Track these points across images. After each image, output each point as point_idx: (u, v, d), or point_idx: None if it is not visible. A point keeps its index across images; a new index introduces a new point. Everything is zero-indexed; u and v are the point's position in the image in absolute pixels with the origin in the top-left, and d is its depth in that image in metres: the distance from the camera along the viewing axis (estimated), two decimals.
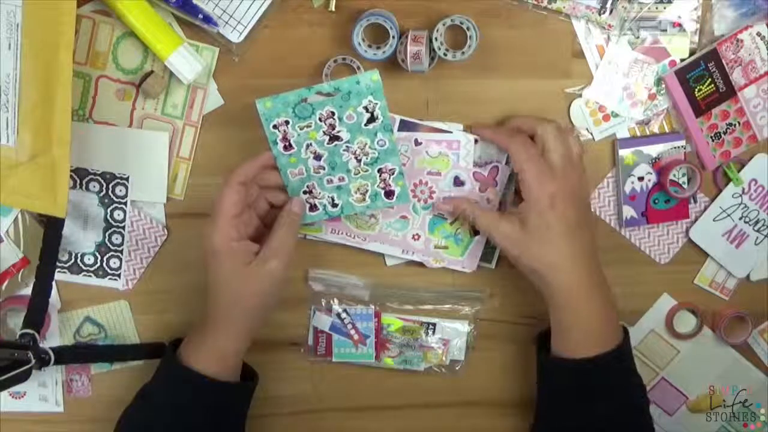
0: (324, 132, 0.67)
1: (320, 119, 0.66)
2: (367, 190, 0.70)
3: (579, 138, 0.68)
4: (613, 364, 0.65)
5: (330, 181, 0.69)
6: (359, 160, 0.68)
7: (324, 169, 0.69)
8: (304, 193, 0.69)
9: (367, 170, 0.69)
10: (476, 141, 0.72)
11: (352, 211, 0.71)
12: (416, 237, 0.74)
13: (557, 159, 0.65)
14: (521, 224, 0.66)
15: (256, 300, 0.65)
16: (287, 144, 0.67)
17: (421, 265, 0.75)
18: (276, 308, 0.69)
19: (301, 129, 0.67)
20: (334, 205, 0.70)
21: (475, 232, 0.74)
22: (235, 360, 0.67)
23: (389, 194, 0.70)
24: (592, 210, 0.76)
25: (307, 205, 0.70)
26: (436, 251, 0.74)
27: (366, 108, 0.66)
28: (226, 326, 0.65)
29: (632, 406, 0.67)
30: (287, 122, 0.67)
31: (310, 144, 0.67)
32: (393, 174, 0.69)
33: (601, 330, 0.66)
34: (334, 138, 0.67)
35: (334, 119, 0.66)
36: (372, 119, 0.67)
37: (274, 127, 0.67)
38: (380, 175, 0.69)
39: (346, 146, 0.68)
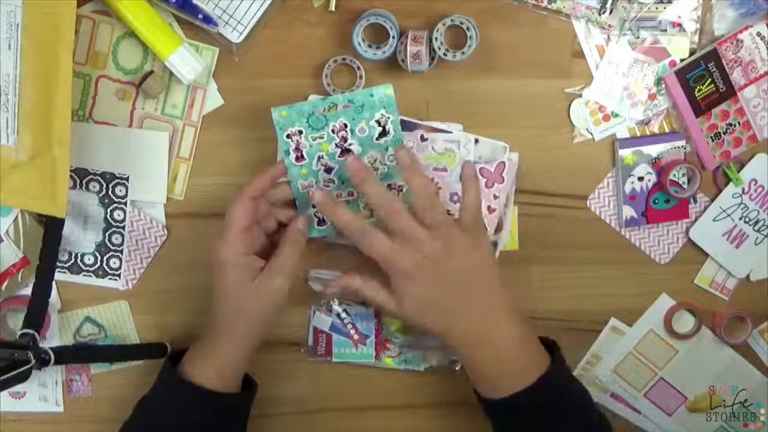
0: (336, 144, 0.67)
1: (333, 131, 0.67)
2: None
3: (426, 192, 0.64)
4: (526, 401, 0.64)
5: (339, 196, 0.69)
6: None
7: (334, 182, 0.69)
8: (313, 206, 0.69)
9: None
10: (476, 141, 0.72)
11: None
12: None
13: (399, 231, 0.62)
14: (396, 299, 0.65)
15: (259, 315, 0.65)
16: (299, 155, 0.68)
17: None
18: (277, 323, 0.69)
19: (313, 140, 0.67)
20: None
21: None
22: (237, 373, 0.67)
23: None
24: (594, 211, 0.76)
25: (315, 219, 0.70)
26: None
27: (378, 122, 0.67)
28: (228, 340, 0.65)
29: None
30: (301, 132, 0.67)
31: (322, 156, 0.68)
32: (401, 191, 0.69)
33: (500, 376, 0.64)
34: (346, 151, 0.67)
35: (346, 131, 0.67)
36: (383, 133, 0.67)
37: (288, 136, 0.67)
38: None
39: None
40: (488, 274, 0.65)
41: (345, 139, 0.67)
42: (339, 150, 0.68)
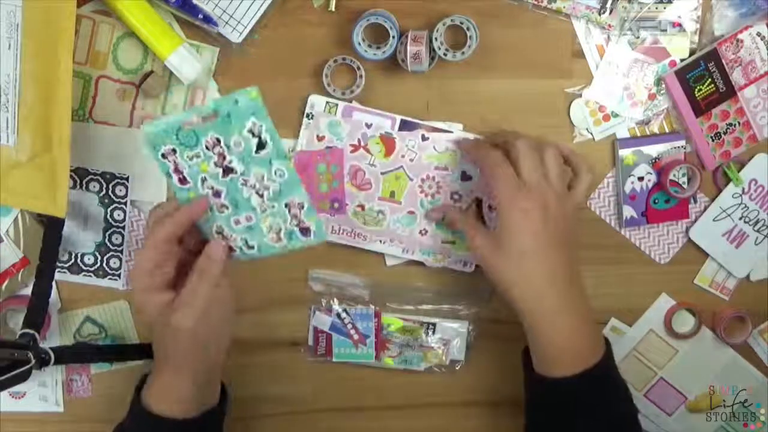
0: (215, 163, 0.58)
1: (207, 147, 0.57)
2: (280, 229, 0.61)
3: (557, 155, 0.65)
4: (590, 382, 0.64)
5: (237, 222, 0.61)
6: (261, 195, 0.59)
7: (228, 208, 0.60)
8: (217, 233, 0.61)
9: (273, 206, 0.60)
10: None
11: (272, 252, 0.62)
12: (423, 232, 0.74)
13: (528, 176, 0.63)
14: (494, 239, 0.64)
15: (179, 349, 0.60)
16: (181, 177, 0.59)
17: (421, 264, 0.75)
18: (223, 344, 0.64)
19: (190, 159, 0.58)
20: (250, 247, 0.62)
21: None
22: (198, 397, 0.62)
23: (304, 231, 0.61)
24: (594, 211, 0.76)
25: (243, 241, 0.62)
26: (444, 246, 0.74)
27: (251, 132, 0.57)
28: (170, 372, 0.62)
29: (615, 424, 0.65)
30: (174, 151, 0.58)
31: (205, 178, 0.59)
32: (302, 209, 0.60)
33: (573, 351, 0.64)
34: (228, 170, 0.58)
35: (221, 147, 0.57)
36: (261, 145, 0.57)
37: (164, 156, 0.58)
38: (289, 211, 0.60)
39: (243, 180, 0.59)
40: (576, 250, 0.66)
41: (223, 157, 0.58)
42: (221, 170, 0.58)
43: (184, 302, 0.59)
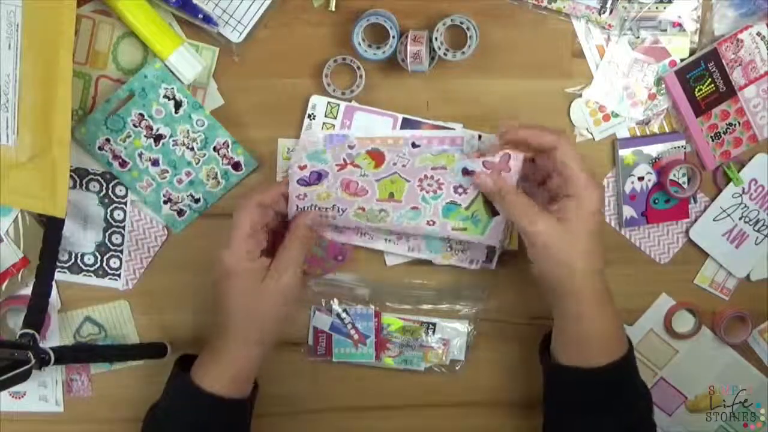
0: (145, 136, 0.69)
1: (134, 125, 0.68)
2: (216, 172, 0.71)
3: None
4: (622, 373, 0.65)
5: (180, 181, 0.71)
6: (192, 149, 0.70)
7: (168, 171, 0.70)
8: (165, 203, 0.71)
9: (204, 154, 0.70)
10: (479, 137, 0.72)
11: (215, 199, 0.72)
12: (431, 223, 0.69)
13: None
14: (560, 223, 0.62)
15: (271, 316, 0.65)
16: (121, 161, 0.69)
17: (421, 264, 0.75)
18: (290, 321, 0.68)
19: (123, 141, 0.69)
20: (197, 201, 0.72)
21: (494, 212, 0.69)
22: (251, 377, 0.67)
23: (236, 167, 0.71)
24: None
25: (175, 213, 0.72)
26: (455, 233, 0.70)
27: (167, 96, 0.68)
28: (240, 346, 0.65)
29: (641, 418, 0.66)
30: (108, 140, 0.69)
31: (141, 153, 0.69)
32: (228, 147, 0.70)
33: (613, 338, 0.65)
34: (158, 137, 0.69)
35: (146, 120, 0.68)
36: (178, 105, 0.68)
37: (100, 149, 0.69)
38: (219, 153, 0.70)
39: (173, 141, 0.69)
40: None
41: (150, 128, 0.69)
42: (152, 140, 0.69)
43: (288, 263, 0.64)
